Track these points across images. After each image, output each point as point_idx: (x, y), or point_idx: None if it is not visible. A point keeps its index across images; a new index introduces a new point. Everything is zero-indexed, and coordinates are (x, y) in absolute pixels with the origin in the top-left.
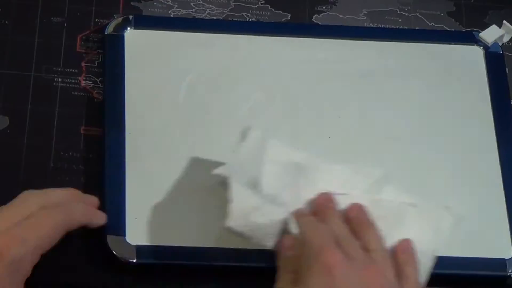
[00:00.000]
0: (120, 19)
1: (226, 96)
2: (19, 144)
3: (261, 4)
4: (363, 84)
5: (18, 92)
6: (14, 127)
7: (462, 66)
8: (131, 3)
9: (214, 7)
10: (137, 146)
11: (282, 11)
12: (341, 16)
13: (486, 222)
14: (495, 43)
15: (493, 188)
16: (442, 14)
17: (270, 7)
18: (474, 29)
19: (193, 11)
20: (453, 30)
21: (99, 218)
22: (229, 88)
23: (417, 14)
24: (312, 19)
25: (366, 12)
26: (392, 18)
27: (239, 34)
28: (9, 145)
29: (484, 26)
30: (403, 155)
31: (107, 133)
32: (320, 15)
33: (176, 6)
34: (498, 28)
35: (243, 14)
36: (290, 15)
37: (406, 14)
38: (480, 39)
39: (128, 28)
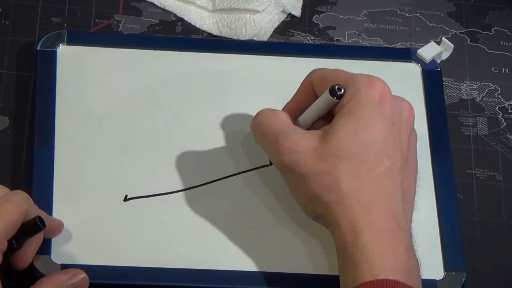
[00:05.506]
0: (52, 34)
1: (160, 113)
2: (19, 144)
3: None
4: None
5: (18, 92)
6: (14, 127)
7: (400, 83)
8: (131, 3)
9: None
10: (66, 164)
11: (282, 11)
12: (341, 16)
13: (418, 242)
14: (433, 60)
15: (426, 207)
16: (442, 15)
17: None
18: (475, 30)
19: None
20: (391, 47)
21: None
22: (162, 104)
23: (417, 14)
24: (312, 20)
25: (366, 13)
26: (392, 18)
27: (174, 51)
28: (9, 145)
29: (484, 26)
30: None
31: (36, 151)
32: (320, 15)
33: None
34: (436, 45)
35: None
36: (290, 16)
37: (406, 15)
38: (418, 56)
39: (61, 44)
